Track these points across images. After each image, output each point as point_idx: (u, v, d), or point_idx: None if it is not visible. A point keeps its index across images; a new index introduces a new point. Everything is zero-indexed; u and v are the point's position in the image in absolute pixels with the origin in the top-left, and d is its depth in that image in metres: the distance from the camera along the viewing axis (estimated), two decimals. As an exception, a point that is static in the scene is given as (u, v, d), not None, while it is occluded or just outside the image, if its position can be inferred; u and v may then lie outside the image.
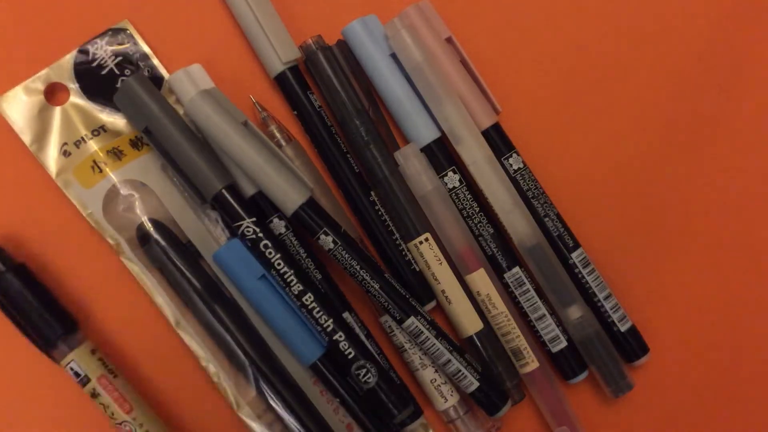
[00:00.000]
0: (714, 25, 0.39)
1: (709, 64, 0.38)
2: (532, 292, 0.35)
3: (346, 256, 0.33)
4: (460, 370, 0.34)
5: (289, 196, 0.32)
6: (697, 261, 0.38)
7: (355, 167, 0.36)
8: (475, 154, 0.35)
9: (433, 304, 0.36)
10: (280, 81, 0.36)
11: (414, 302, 0.34)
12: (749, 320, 0.38)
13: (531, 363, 0.35)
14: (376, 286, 0.33)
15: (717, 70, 0.38)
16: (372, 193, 0.36)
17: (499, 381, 0.35)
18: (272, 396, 0.33)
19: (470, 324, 0.35)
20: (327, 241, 0.33)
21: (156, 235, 0.34)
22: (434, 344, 0.33)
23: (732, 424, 0.38)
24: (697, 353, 0.38)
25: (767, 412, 0.38)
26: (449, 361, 0.34)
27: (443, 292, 0.35)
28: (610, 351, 0.36)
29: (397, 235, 0.35)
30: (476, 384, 0.34)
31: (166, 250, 0.33)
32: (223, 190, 0.32)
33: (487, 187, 0.35)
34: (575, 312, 0.35)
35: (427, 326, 0.33)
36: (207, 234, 0.34)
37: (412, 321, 0.33)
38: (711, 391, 0.38)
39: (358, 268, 0.33)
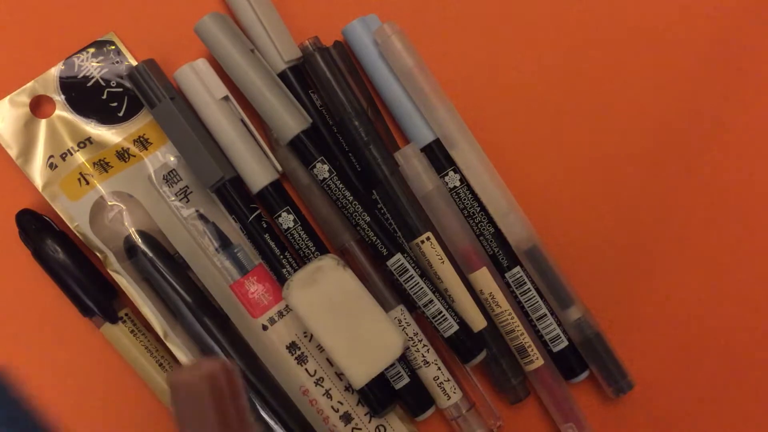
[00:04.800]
0: (715, 26, 0.38)
1: (709, 65, 0.37)
2: (533, 292, 0.35)
3: (340, 186, 0.33)
4: (441, 312, 0.34)
5: (289, 124, 0.33)
6: (697, 261, 0.37)
7: (358, 167, 0.35)
8: (470, 158, 0.34)
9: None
10: (282, 80, 0.35)
11: (401, 240, 0.34)
12: (749, 320, 0.37)
13: (536, 360, 0.35)
14: (366, 220, 0.33)
15: (718, 69, 0.37)
16: (374, 191, 0.35)
17: (503, 379, 0.35)
18: (262, 406, 0.33)
19: (474, 322, 0.35)
20: (323, 170, 0.33)
21: (143, 247, 0.34)
22: (418, 283, 0.34)
23: (732, 424, 0.37)
24: (697, 353, 0.37)
25: (767, 411, 0.37)
26: (431, 301, 0.34)
27: (446, 290, 0.35)
28: (609, 351, 0.35)
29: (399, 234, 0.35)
30: (456, 327, 0.34)
31: (154, 261, 0.33)
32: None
33: (482, 191, 0.35)
34: (575, 313, 0.35)
35: (413, 264, 0.34)
36: (195, 245, 0.34)
37: (398, 258, 0.33)
38: (712, 390, 0.37)
39: (350, 199, 0.33)
